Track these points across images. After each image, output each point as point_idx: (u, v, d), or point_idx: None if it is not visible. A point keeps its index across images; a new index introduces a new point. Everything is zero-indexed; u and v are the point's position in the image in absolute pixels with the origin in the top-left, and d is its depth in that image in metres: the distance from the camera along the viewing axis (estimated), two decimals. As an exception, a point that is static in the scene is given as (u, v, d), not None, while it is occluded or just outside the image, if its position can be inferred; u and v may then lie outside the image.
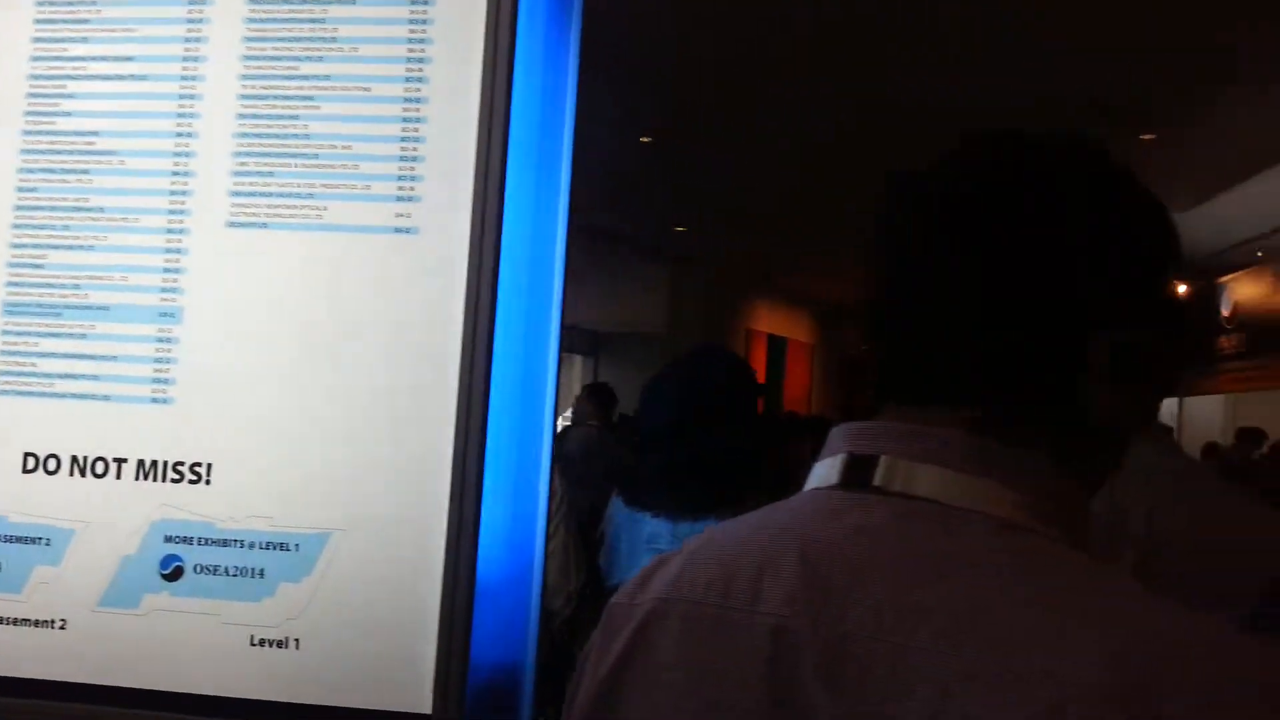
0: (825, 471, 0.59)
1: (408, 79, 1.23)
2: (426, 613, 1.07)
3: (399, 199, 1.19)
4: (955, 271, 0.58)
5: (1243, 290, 9.83)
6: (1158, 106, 6.48)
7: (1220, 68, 5.76)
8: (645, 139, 7.46)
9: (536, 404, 1.33)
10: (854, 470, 0.57)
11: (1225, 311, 10.03)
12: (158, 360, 1.21)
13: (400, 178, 1.20)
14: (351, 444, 1.13)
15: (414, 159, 1.20)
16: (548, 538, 1.36)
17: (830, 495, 0.58)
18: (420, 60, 1.23)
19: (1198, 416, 10.46)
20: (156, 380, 1.20)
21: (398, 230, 1.18)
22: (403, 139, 1.21)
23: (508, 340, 1.23)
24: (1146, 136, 7.08)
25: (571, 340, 15.23)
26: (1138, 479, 1.26)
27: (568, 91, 1.44)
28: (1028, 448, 0.56)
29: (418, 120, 1.21)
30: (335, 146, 1.22)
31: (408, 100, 1.22)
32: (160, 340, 1.21)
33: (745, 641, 0.54)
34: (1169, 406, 9.90)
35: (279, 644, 1.11)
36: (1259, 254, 9.91)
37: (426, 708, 1.05)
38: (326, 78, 1.24)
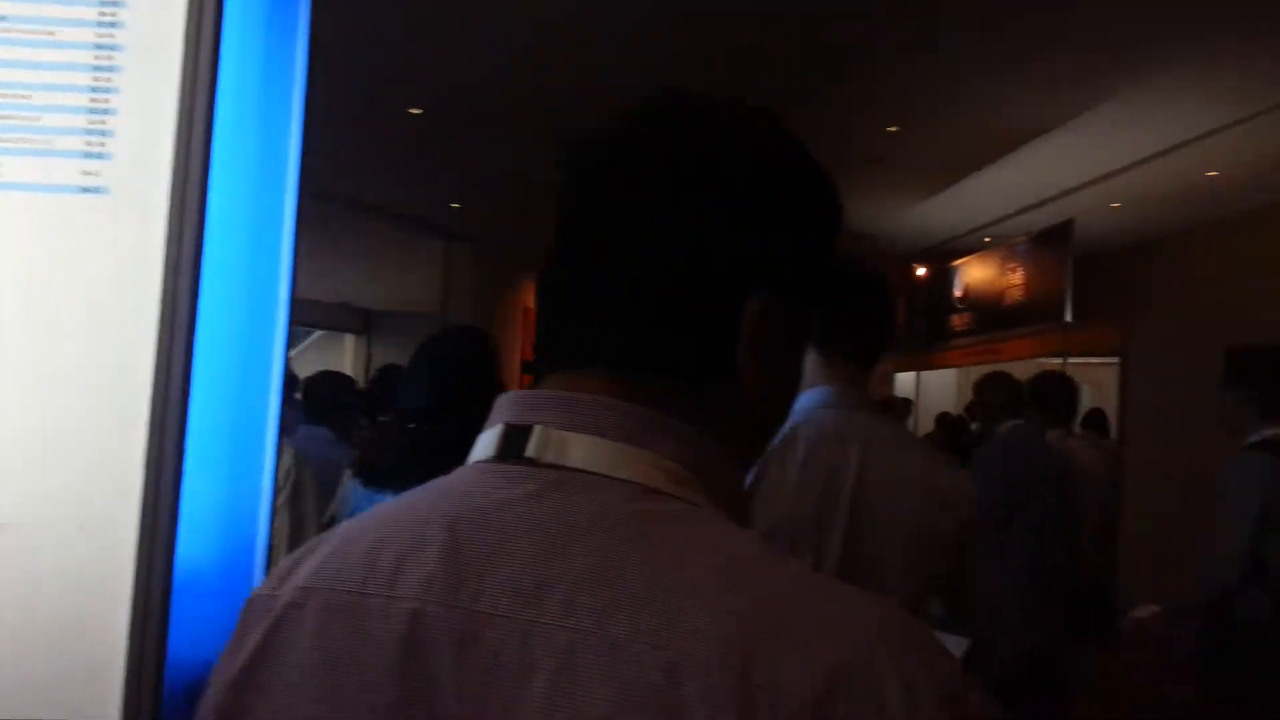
0: (484, 444, 0.57)
1: (100, 24, 1.11)
2: (116, 611, 0.98)
3: (87, 155, 1.07)
4: (615, 233, 0.57)
5: (972, 273, 10.80)
6: (902, 99, 6.97)
7: (957, 64, 6.26)
8: (415, 110, 7.23)
9: (258, 382, 1.25)
10: (509, 442, 0.55)
11: (957, 292, 10.98)
12: None
13: (89, 132, 1.08)
14: (25, 429, 1.01)
15: (105, 111, 1.08)
16: (275, 524, 1.28)
17: (485, 469, 0.56)
18: (114, 3, 1.11)
19: (934, 389, 11.43)
20: None
21: (85, 190, 1.07)
22: (93, 89, 1.09)
23: (220, 313, 1.14)
24: (891, 129, 7.61)
25: (343, 318, 14.63)
26: (852, 449, 1.34)
27: (297, 47, 1.35)
28: (682, 415, 0.55)
29: (111, 69, 1.10)
30: (12, 95, 1.09)
31: (99, 47, 1.10)
32: None
33: (381, 630, 0.52)
34: (909, 380, 10.76)
35: (-61, 656, 0.98)
36: (986, 240, 10.92)
37: (115, 716, 0.96)
38: (2, 19, 1.10)
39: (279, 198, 1.31)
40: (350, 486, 2.01)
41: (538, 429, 0.55)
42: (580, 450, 0.53)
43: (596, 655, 0.46)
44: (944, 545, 1.30)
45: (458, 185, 9.24)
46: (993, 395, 3.87)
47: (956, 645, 1.22)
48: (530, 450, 0.54)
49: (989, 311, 10.15)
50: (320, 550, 0.58)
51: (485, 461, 0.56)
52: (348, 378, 4.83)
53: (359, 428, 3.89)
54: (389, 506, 0.59)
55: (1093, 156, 8.11)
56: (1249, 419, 2.60)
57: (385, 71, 6.15)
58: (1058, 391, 3.91)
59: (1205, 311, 9.41)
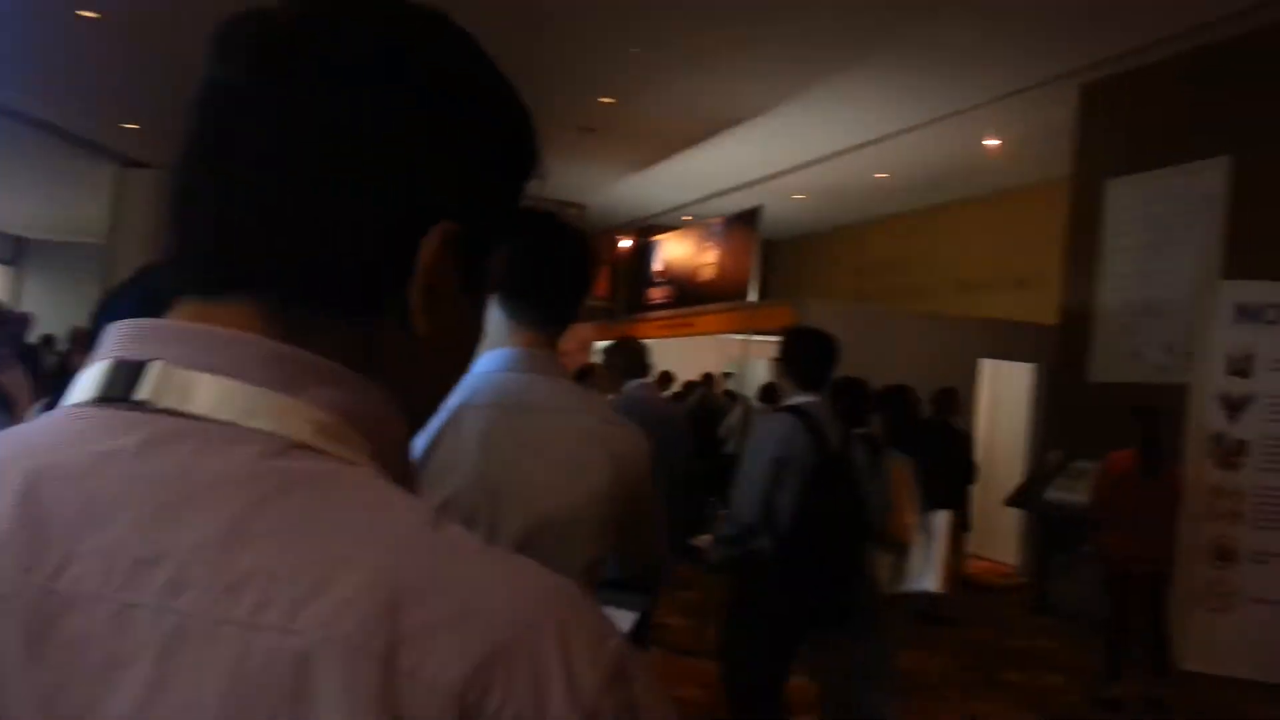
0: (84, 383, 0.46)
1: None
2: None
3: None
4: (265, 136, 0.47)
5: (671, 249, 11.32)
6: (618, 73, 7.12)
7: (670, 46, 6.48)
8: (87, 14, 6.41)
9: None
10: (117, 381, 0.45)
11: (657, 266, 11.48)
12: None
13: None
14: None
15: None
16: None
17: (82, 414, 0.45)
18: None
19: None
20: None
21: None
22: None
23: None
24: (606, 100, 7.76)
25: (-17, 242, 12.82)
26: (533, 415, 1.34)
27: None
28: (343, 360, 0.47)
29: None
30: None
31: None
32: None
33: None
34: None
35: None
36: (686, 218, 11.48)
37: None
38: None
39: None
40: None
41: (156, 366, 0.45)
42: (209, 394, 0.44)
43: (210, 644, 0.39)
44: (620, 508, 1.32)
45: (135, 104, 8.32)
46: (616, 358, 4.45)
47: (624, 619, 1.23)
48: (144, 392, 0.44)
49: (685, 286, 10.70)
50: None
51: (84, 405, 0.45)
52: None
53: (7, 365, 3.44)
54: None
55: (784, 149, 8.75)
56: (789, 388, 3.05)
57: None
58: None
59: (870, 296, 10.51)
